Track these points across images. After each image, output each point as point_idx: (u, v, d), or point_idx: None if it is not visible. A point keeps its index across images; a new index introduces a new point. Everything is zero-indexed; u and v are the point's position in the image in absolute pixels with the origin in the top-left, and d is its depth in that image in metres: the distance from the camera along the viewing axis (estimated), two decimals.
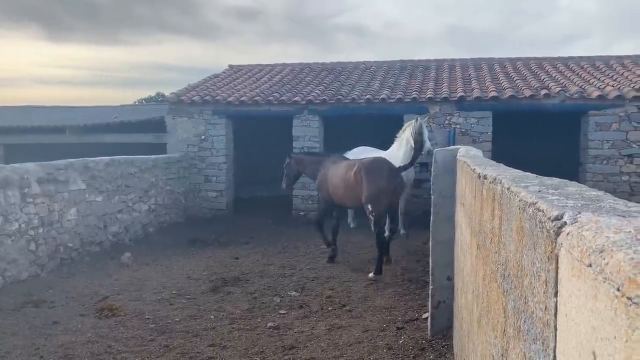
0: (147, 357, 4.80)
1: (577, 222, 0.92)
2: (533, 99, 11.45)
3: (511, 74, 13.51)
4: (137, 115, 15.22)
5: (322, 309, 6.20)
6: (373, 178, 7.50)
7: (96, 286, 7.16)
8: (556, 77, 12.74)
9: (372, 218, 7.56)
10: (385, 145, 14.10)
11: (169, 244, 10.07)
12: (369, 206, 7.52)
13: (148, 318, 5.88)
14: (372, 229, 7.62)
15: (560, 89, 11.55)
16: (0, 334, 5.35)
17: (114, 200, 9.77)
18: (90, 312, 6.08)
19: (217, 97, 12.98)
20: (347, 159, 8.78)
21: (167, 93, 14.51)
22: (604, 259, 0.72)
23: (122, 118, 14.86)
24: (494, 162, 3.51)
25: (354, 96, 12.50)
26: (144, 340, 5.21)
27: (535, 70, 13.74)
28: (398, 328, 5.48)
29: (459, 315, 3.98)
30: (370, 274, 7.50)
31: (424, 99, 12.01)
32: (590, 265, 0.76)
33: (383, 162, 7.83)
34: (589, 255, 0.77)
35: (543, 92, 11.48)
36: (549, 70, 13.62)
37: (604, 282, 0.70)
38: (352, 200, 7.93)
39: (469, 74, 13.87)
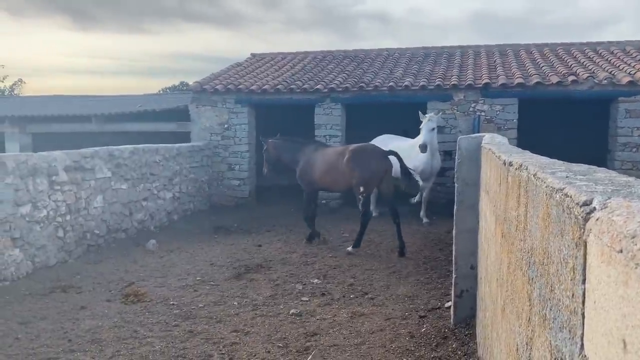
0: (172, 342, 4.88)
1: (606, 207, 0.89)
2: (560, 85, 11.20)
3: (538, 60, 13.24)
4: (161, 104, 15.37)
5: (344, 296, 6.21)
6: (364, 162, 8.17)
7: (122, 272, 7.29)
8: (584, 63, 12.43)
9: (362, 199, 8.30)
10: (407, 133, 13.98)
11: (193, 232, 10.19)
12: (361, 188, 8.18)
13: (173, 304, 5.97)
14: (360, 208, 8.41)
15: (588, 75, 11.28)
16: (31, 317, 5.49)
17: (139, 188, 9.91)
18: (117, 297, 6.20)
19: (240, 86, 13.02)
20: (328, 146, 9.74)
21: (190, 82, 14.63)
22: (636, 244, 0.69)
23: (146, 107, 15.02)
24: (520, 149, 3.44)
25: (376, 83, 12.41)
26: (168, 326, 5.30)
27: (563, 56, 13.43)
28: (420, 316, 5.47)
29: (483, 304, 3.94)
30: (349, 248, 8.27)
31: (448, 86, 11.86)
32: (621, 251, 0.74)
33: (372, 147, 8.61)
34: (620, 240, 0.75)
35: (571, 78, 11.23)
36: (577, 56, 13.29)
37: (636, 267, 0.67)
38: (340, 185, 8.64)
39: (494, 61, 13.64)
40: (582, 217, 0.96)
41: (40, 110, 16.33)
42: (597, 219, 0.89)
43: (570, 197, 1.06)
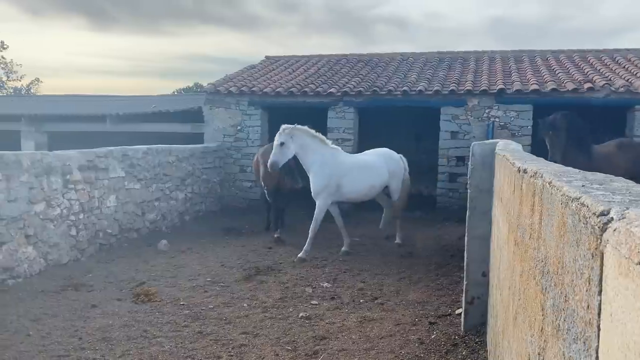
0: (181, 343, 4.89)
1: (625, 217, 0.88)
2: (576, 92, 11.10)
3: (554, 67, 13.13)
4: (176, 105, 15.47)
5: (353, 301, 6.19)
6: (265, 161, 8.95)
7: (133, 272, 7.33)
8: (601, 70, 12.30)
9: (266, 192, 10.00)
10: (420, 137, 13.95)
11: (204, 232, 10.23)
12: (262, 182, 9.89)
13: (183, 304, 5.99)
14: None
15: (605, 82, 11.16)
16: (42, 315, 5.54)
17: (151, 188, 9.97)
18: (127, 296, 6.23)
19: (254, 88, 13.06)
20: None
21: (205, 84, 14.71)
22: None
23: (160, 108, 15.13)
24: (534, 157, 3.41)
25: (390, 88, 12.38)
26: (178, 326, 5.31)
27: (579, 63, 13.31)
28: (430, 323, 5.43)
29: (494, 311, 3.90)
30: (275, 234, 9.50)
31: (462, 91, 11.80)
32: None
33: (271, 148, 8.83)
34: (639, 252, 0.73)
35: (587, 85, 11.12)
36: (594, 63, 13.16)
37: None
38: (265, 181, 9.82)
39: (510, 67, 13.55)
40: (599, 227, 0.94)
41: (56, 109, 16.52)
42: (614, 230, 0.87)
43: (587, 206, 1.05)
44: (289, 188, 9.72)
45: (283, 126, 8.35)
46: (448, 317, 5.61)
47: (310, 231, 8.34)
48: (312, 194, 8.56)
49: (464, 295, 5.08)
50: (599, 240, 0.93)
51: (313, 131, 8.52)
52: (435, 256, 8.36)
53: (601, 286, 0.91)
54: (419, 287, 6.74)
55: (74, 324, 5.33)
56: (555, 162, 7.06)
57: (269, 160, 8.35)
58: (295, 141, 8.30)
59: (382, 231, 9.69)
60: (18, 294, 6.18)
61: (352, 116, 12.52)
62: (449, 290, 6.60)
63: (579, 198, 1.14)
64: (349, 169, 8.47)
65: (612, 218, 0.92)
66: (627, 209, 0.92)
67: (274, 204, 10.04)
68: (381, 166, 8.81)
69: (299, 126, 8.44)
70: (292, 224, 10.61)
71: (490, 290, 4.49)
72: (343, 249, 8.54)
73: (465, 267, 5.08)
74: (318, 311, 5.80)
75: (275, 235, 9.47)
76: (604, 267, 0.90)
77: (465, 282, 5.04)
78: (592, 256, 0.97)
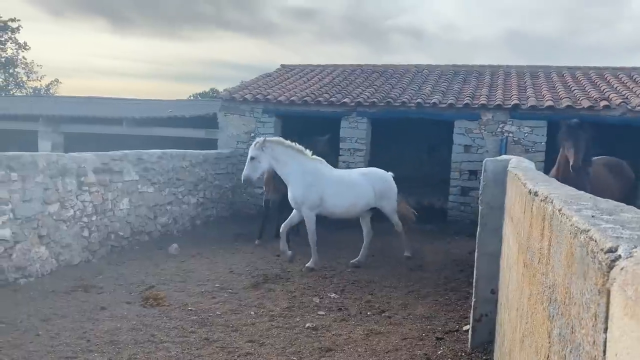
0: (187, 349, 4.91)
1: (632, 256, 0.88)
2: (592, 110, 11.02)
3: (569, 84, 13.06)
4: (191, 111, 15.59)
5: (360, 313, 6.18)
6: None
7: (143, 275, 7.39)
8: (618, 88, 12.21)
9: (264, 199, 10.45)
10: (434, 149, 13.90)
11: (214, 238, 10.27)
12: (264, 188, 10.26)
13: (191, 310, 6.02)
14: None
15: (621, 100, 11.08)
16: (52, 315, 5.60)
17: (164, 192, 10.05)
18: (136, 300, 6.28)
19: (268, 96, 13.14)
20: None
21: (221, 89, 14.82)
22: None
23: (176, 113, 15.26)
24: (546, 177, 3.39)
25: (404, 99, 12.39)
26: (185, 332, 5.34)
27: (596, 81, 13.22)
28: (437, 338, 5.40)
29: (501, 330, 3.88)
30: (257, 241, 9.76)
31: (476, 105, 11.78)
32: None
33: None
34: None
35: (603, 103, 11.04)
36: (610, 81, 13.07)
37: None
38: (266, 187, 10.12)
39: (525, 82, 13.50)
40: (606, 264, 0.94)
41: (73, 110, 16.73)
42: (621, 268, 0.88)
43: (595, 241, 1.05)
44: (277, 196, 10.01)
45: (256, 140, 8.32)
46: (455, 333, 5.58)
47: (310, 242, 8.29)
48: (292, 203, 8.35)
49: (472, 311, 5.05)
50: (606, 277, 0.93)
51: (288, 142, 8.34)
52: (444, 270, 8.32)
53: (607, 324, 0.91)
54: (427, 301, 6.71)
55: (82, 325, 5.38)
56: (578, 164, 7.04)
57: (242, 175, 8.31)
58: (267, 153, 8.12)
59: (387, 242, 9.66)
60: (29, 293, 6.25)
61: (365, 126, 12.54)
62: (457, 305, 6.56)
63: (588, 231, 1.14)
64: (332, 182, 8.26)
65: (619, 256, 0.92)
66: (636, 247, 0.92)
67: (266, 211, 10.34)
68: (364, 185, 8.47)
69: (271, 138, 8.41)
70: (303, 230, 10.61)
71: (498, 308, 4.46)
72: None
73: (474, 284, 5.06)
74: (325, 322, 5.79)
75: (256, 242, 9.77)
76: (610, 305, 0.91)
77: (473, 299, 5.02)
78: (599, 292, 0.97)
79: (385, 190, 8.68)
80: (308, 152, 8.46)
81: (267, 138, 8.29)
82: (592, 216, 1.32)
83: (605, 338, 0.92)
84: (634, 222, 1.24)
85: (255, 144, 8.16)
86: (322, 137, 11.40)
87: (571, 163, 7.26)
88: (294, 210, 8.48)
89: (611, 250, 0.95)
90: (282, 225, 8.48)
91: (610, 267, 0.92)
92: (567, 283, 1.31)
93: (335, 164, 11.08)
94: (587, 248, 1.10)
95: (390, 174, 8.99)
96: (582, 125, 7.67)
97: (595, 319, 0.99)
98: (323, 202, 8.23)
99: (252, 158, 8.12)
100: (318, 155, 10.54)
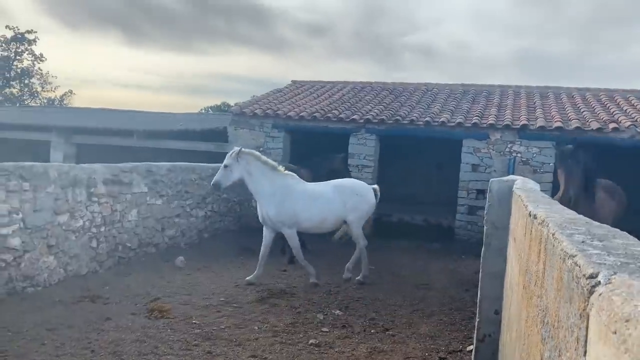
0: None
1: (610, 283, 0.92)
2: (601, 132, 11.02)
3: (579, 105, 13.07)
4: (202, 124, 15.76)
5: (364, 330, 6.17)
6: None
7: (149, 287, 7.43)
8: (627, 111, 12.20)
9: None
10: (442, 167, 13.88)
11: (221, 251, 10.32)
12: None
13: (195, 323, 6.05)
14: None
15: (630, 123, 11.07)
16: (58, 325, 5.65)
17: (173, 205, 10.14)
18: (141, 311, 6.32)
19: (278, 112, 13.26)
20: None
21: (232, 103, 14.97)
22: (628, 329, 0.72)
23: (187, 126, 15.43)
24: (549, 199, 3.42)
25: (412, 117, 12.46)
26: (189, 345, 5.36)
27: (605, 102, 13.22)
28: (441, 358, 5.38)
29: (504, 351, 3.87)
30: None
31: (485, 125, 11.81)
32: (615, 333, 0.76)
33: None
34: (615, 322, 0.77)
35: (612, 125, 11.04)
36: (621, 103, 13.06)
37: (625, 353, 0.70)
38: None
39: (534, 102, 13.53)
40: (587, 289, 0.98)
41: (85, 122, 16.96)
42: (599, 294, 0.91)
43: (579, 266, 1.09)
44: None
45: (233, 149, 8.17)
46: (459, 353, 5.56)
47: (298, 260, 8.27)
48: (262, 221, 8.34)
49: (475, 332, 5.04)
50: (587, 303, 0.97)
51: (264, 157, 8.25)
52: (450, 289, 8.30)
53: (586, 348, 0.95)
54: (431, 320, 6.69)
55: (88, 335, 5.42)
56: (569, 196, 7.04)
57: (213, 180, 8.14)
58: (241, 165, 8.00)
59: (394, 259, 9.65)
60: (36, 303, 6.32)
61: (374, 143, 12.60)
62: (462, 325, 6.54)
63: (575, 256, 1.17)
64: (303, 197, 8.11)
65: (599, 282, 0.96)
66: (615, 274, 0.96)
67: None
68: (335, 199, 8.25)
69: (248, 150, 8.22)
70: (310, 245, 10.62)
71: (502, 328, 4.45)
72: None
73: (478, 304, 5.05)
74: (328, 339, 5.79)
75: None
76: (589, 330, 0.94)
77: (477, 319, 5.01)
78: (580, 317, 1.01)
79: (357, 203, 8.37)
80: (281, 167, 8.33)
81: (244, 150, 8.13)
82: (582, 242, 1.35)
83: None
84: (621, 248, 1.27)
85: (231, 153, 8.05)
86: (338, 155, 11.48)
87: (559, 193, 7.28)
88: (264, 232, 8.39)
89: (592, 276, 0.99)
90: (261, 253, 8.35)
91: (591, 293, 0.96)
92: (557, 306, 1.35)
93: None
94: (573, 273, 1.14)
95: (374, 186, 8.76)
96: (577, 151, 7.67)
97: (577, 343, 1.02)
98: (297, 217, 8.09)
99: (225, 166, 8.01)
100: (333, 173, 10.66)
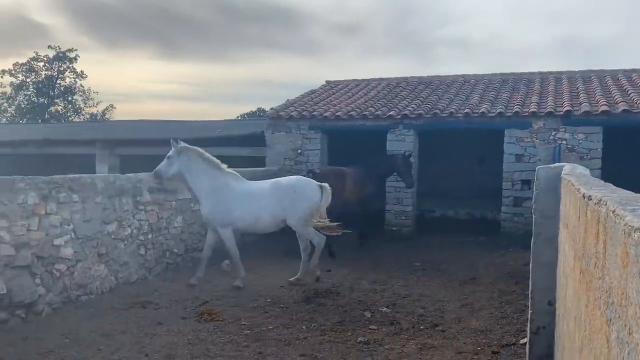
0: None
1: None
2: None
3: (625, 87, 12.57)
4: (239, 130, 15.95)
5: (413, 327, 6.09)
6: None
7: (197, 291, 7.56)
8: None
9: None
10: (484, 160, 13.58)
11: (264, 253, 10.39)
12: None
13: (244, 324, 6.11)
14: None
15: None
16: (112, 330, 5.81)
17: None
18: (191, 315, 6.43)
19: (314, 113, 13.28)
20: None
21: (267, 108, 15.12)
22: None
23: (225, 132, 15.64)
24: (602, 182, 3.29)
25: (451, 110, 12.26)
26: (239, 346, 5.42)
27: None
28: (493, 352, 5.26)
29: (560, 342, 3.75)
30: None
31: (526, 113, 11.51)
32: None
33: None
34: None
35: None
36: None
37: None
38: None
39: (577, 88, 13.09)
40: None
41: (127, 134, 17.43)
42: None
43: None
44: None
45: (180, 143, 8.00)
46: (512, 346, 5.42)
47: (232, 260, 8.14)
48: (204, 219, 8.13)
49: (529, 324, 4.90)
50: None
51: (207, 155, 8.01)
52: (499, 283, 8.11)
53: None
54: (481, 314, 6.55)
55: (141, 340, 5.55)
56: None
57: (155, 168, 8.00)
58: (182, 161, 7.88)
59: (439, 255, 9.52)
60: (90, 310, 6.51)
61: (412, 139, 12.46)
62: (514, 318, 6.37)
63: None
64: (239, 196, 7.85)
65: None
66: None
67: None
68: (266, 196, 7.89)
69: (190, 146, 8.02)
70: (338, 246, 10.58)
71: (556, 319, 4.31)
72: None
73: (530, 295, 4.91)
74: (377, 336, 5.75)
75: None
76: None
77: (530, 311, 4.87)
78: None
79: (295, 200, 7.88)
80: (224, 165, 8.09)
81: (185, 145, 7.96)
82: None
83: None
84: None
85: (175, 147, 7.95)
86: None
87: None
88: (208, 232, 8.23)
89: None
90: (202, 254, 8.17)
91: None
92: (623, 284, 1.28)
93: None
94: None
95: (324, 184, 8.15)
96: None
97: None
98: (231, 215, 7.86)
99: (167, 157, 7.95)
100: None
